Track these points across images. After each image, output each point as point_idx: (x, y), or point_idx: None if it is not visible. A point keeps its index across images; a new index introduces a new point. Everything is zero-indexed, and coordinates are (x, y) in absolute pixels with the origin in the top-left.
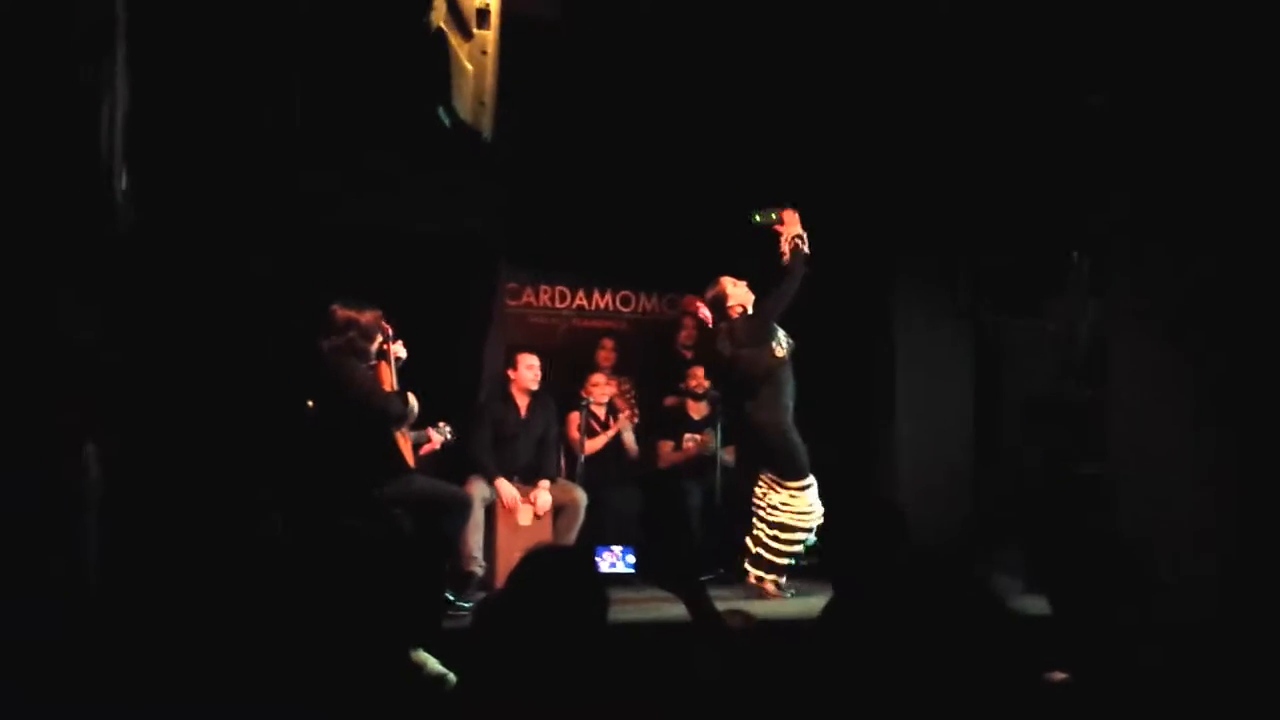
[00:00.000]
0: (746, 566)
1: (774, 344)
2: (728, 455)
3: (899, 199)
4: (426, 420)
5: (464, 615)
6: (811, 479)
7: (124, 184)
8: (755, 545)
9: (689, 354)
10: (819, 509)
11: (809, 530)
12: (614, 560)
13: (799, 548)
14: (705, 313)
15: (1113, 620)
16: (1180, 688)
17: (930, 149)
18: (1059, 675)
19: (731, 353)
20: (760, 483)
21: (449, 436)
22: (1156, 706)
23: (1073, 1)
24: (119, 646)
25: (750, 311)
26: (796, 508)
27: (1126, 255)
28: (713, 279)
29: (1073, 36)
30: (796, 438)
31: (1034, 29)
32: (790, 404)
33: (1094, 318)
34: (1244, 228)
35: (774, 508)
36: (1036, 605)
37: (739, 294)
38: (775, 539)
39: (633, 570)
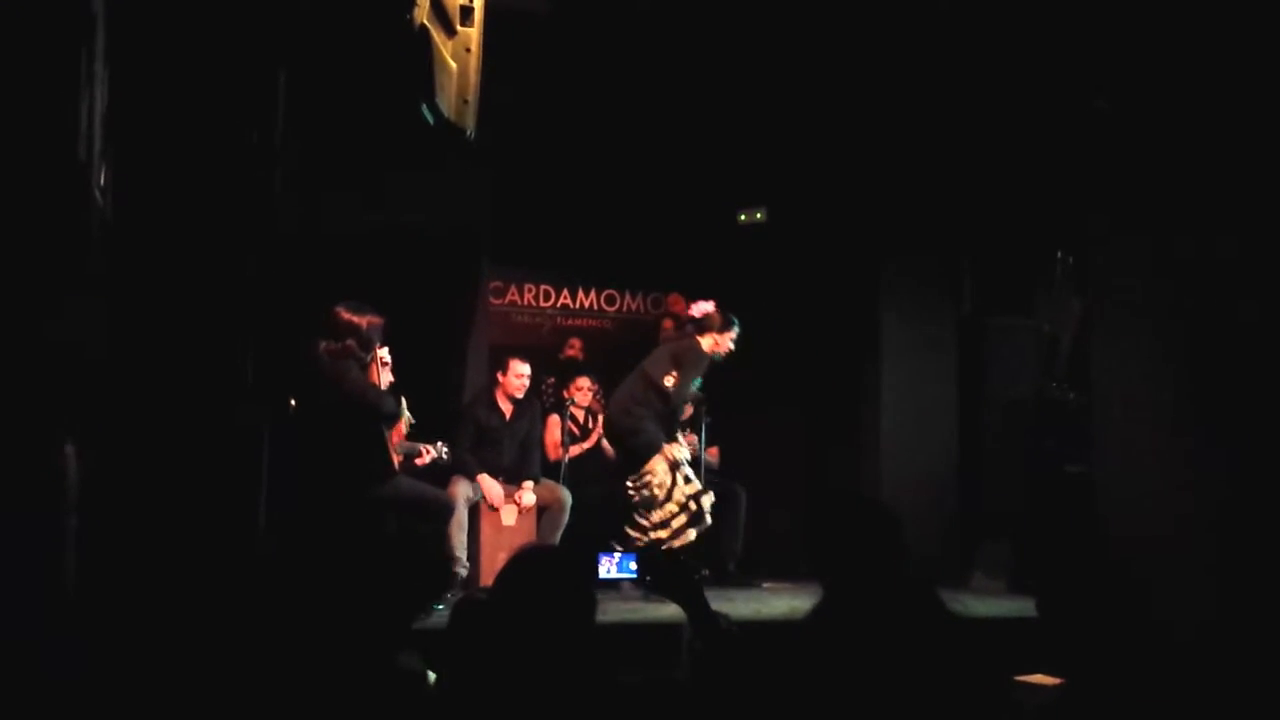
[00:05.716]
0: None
1: (682, 380)
2: (710, 456)
3: (886, 199)
4: (421, 436)
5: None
6: (657, 456)
7: (103, 180)
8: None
9: None
10: (671, 478)
11: (676, 500)
12: (610, 567)
13: (672, 518)
14: (700, 308)
15: (1099, 621)
16: (1164, 689)
17: (919, 148)
18: (1043, 678)
19: (666, 338)
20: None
21: (443, 456)
22: (1139, 708)
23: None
24: (99, 650)
25: (697, 351)
26: (653, 482)
27: (1110, 256)
28: (737, 323)
29: (1070, 37)
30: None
31: (1030, 29)
32: (662, 431)
33: (1079, 317)
34: (1227, 230)
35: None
36: (1021, 606)
37: (708, 342)
38: (649, 520)
39: (633, 575)
